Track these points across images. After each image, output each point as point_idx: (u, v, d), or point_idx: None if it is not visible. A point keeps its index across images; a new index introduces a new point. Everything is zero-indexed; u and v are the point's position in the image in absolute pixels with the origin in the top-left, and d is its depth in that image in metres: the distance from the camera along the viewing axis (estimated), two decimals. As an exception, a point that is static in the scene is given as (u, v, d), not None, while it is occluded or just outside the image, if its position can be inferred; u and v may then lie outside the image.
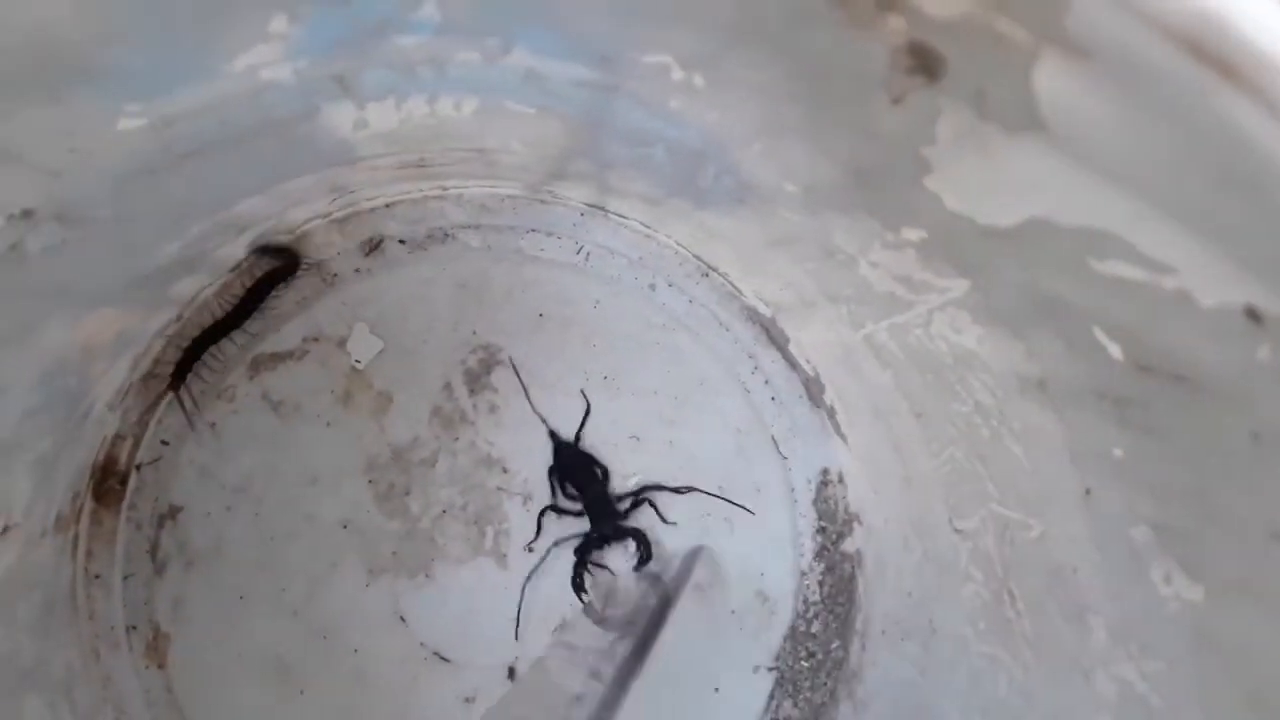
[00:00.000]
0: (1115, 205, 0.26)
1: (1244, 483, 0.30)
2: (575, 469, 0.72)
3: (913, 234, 0.38)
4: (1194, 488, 0.33)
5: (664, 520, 0.73)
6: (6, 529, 0.59)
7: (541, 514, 0.71)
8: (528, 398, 0.72)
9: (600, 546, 0.71)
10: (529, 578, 0.71)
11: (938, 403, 0.52)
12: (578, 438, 0.72)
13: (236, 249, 0.65)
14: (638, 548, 0.71)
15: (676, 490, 0.72)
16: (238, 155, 0.44)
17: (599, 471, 0.72)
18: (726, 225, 0.57)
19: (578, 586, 0.70)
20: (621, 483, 0.73)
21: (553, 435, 0.72)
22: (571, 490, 0.71)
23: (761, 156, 0.40)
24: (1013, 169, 0.28)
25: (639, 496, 0.72)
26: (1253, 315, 0.25)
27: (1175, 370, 0.30)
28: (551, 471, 0.72)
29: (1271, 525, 0.30)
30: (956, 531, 0.57)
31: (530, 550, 0.71)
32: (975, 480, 0.53)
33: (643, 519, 0.72)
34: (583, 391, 0.73)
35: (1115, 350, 0.33)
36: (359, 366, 0.72)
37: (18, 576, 0.62)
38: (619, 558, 0.73)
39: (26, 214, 0.39)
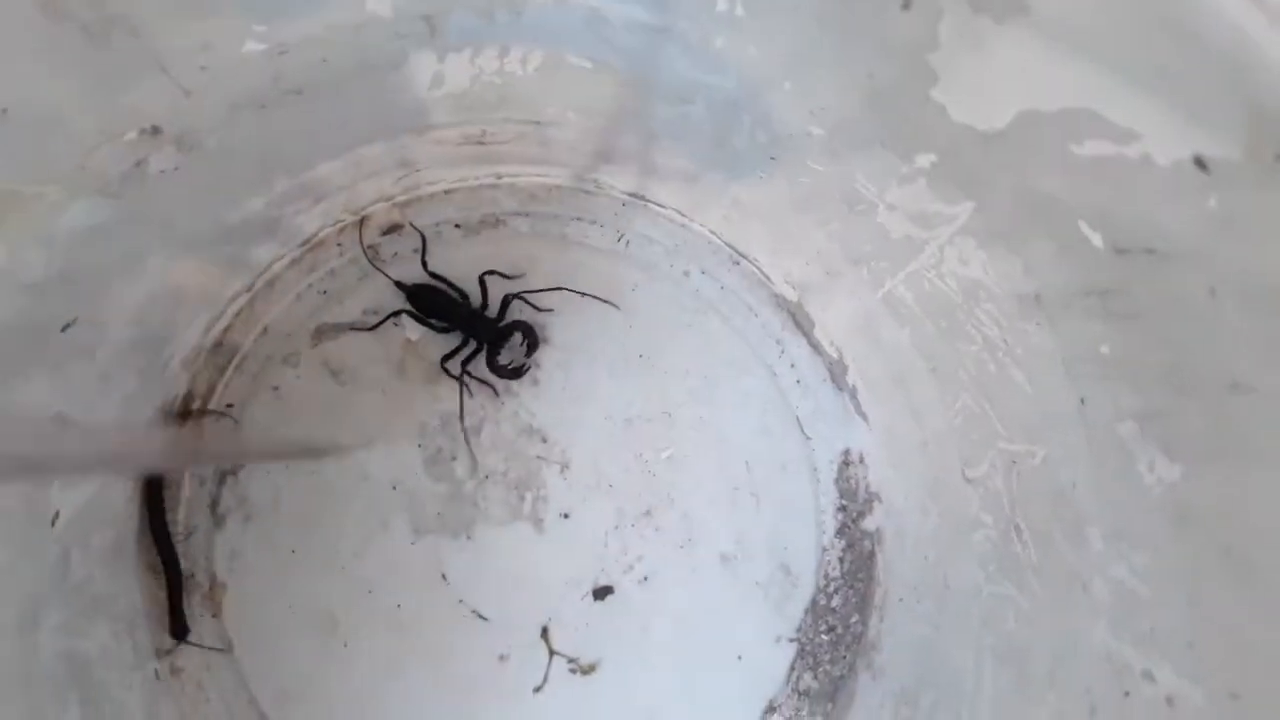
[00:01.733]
0: (1089, 80, 0.32)
1: (1204, 340, 0.35)
2: (434, 302, 0.76)
3: (924, 159, 0.44)
4: (1167, 363, 0.38)
5: (539, 309, 0.78)
6: (92, 460, 0.65)
7: (460, 377, 0.76)
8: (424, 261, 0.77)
9: (496, 351, 0.75)
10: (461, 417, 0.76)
11: (950, 349, 0.57)
12: (425, 267, 0.76)
13: (311, 219, 0.71)
14: (523, 339, 0.76)
15: (543, 290, 0.77)
16: (331, 101, 0.51)
17: (456, 294, 0.76)
18: (758, 196, 0.63)
19: (503, 371, 0.76)
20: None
21: (399, 284, 0.76)
22: (441, 324, 0.76)
23: (792, 96, 0.46)
24: (1003, 60, 0.34)
25: (506, 299, 0.76)
26: (1200, 164, 0.30)
27: (1145, 244, 0.35)
28: (415, 315, 0.76)
29: (1229, 377, 0.35)
30: (968, 482, 0.61)
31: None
32: (984, 423, 0.57)
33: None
34: (411, 223, 0.78)
35: (1097, 239, 0.38)
36: (413, 340, 0.77)
37: (95, 510, 0.67)
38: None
39: (155, 131, 0.45)
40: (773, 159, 0.55)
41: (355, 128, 0.58)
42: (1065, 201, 0.38)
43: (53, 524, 0.62)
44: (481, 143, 0.67)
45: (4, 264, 0.43)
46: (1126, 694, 0.46)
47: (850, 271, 0.63)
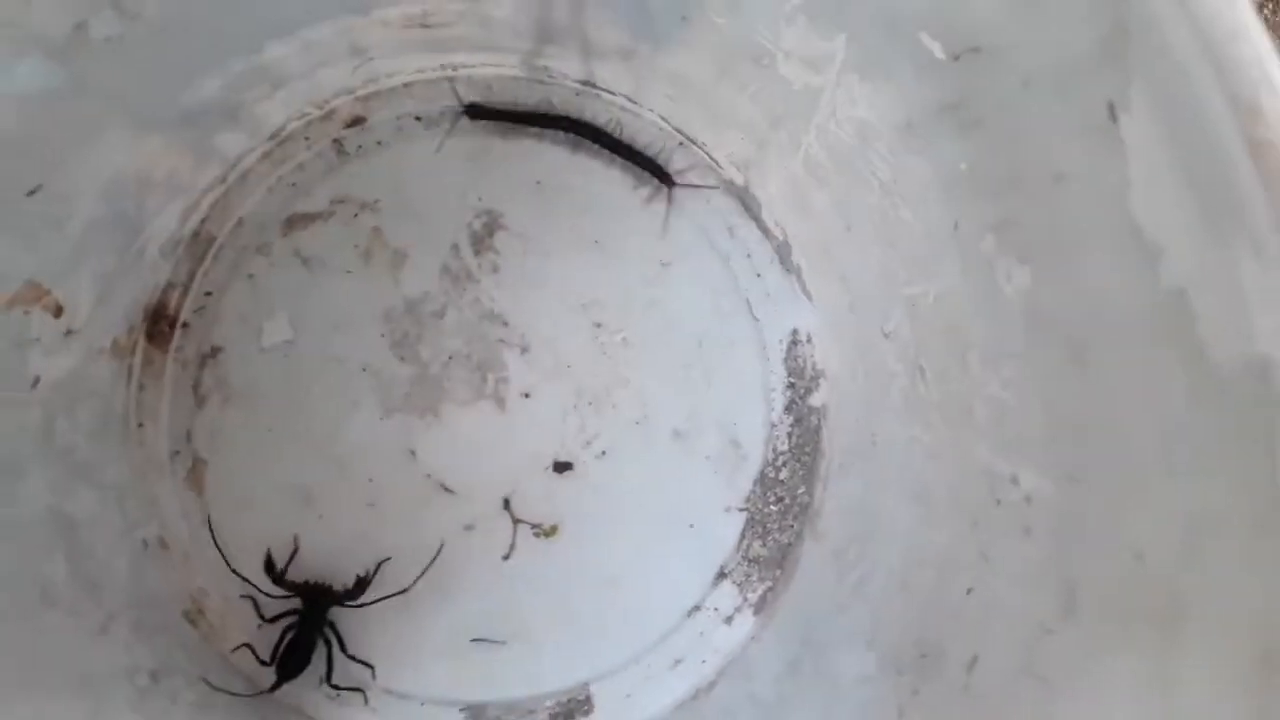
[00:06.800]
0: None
1: (1029, 135, 0.38)
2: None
3: None
4: (1007, 166, 0.41)
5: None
6: (70, 332, 0.70)
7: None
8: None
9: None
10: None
11: (857, 202, 0.60)
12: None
13: (274, 109, 0.75)
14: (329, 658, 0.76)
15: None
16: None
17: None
18: (686, 64, 0.65)
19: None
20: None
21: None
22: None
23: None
24: None
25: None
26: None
27: (969, 42, 0.38)
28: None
29: (1053, 169, 0.37)
30: (885, 337, 0.64)
31: None
32: (890, 273, 0.60)
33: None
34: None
35: (937, 49, 0.40)
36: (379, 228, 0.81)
37: (80, 381, 0.72)
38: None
39: (91, -11, 0.49)
40: (685, 18, 0.57)
41: (296, 3, 0.62)
42: (907, 15, 0.41)
43: (33, 387, 0.67)
44: (425, 25, 0.70)
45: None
46: (998, 502, 0.49)
47: (773, 137, 0.66)
